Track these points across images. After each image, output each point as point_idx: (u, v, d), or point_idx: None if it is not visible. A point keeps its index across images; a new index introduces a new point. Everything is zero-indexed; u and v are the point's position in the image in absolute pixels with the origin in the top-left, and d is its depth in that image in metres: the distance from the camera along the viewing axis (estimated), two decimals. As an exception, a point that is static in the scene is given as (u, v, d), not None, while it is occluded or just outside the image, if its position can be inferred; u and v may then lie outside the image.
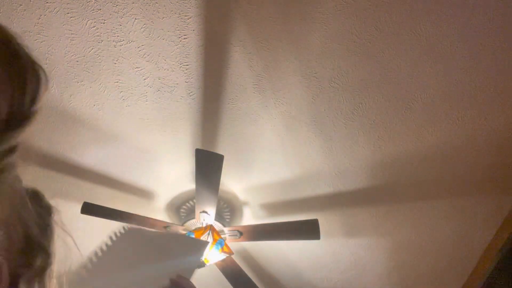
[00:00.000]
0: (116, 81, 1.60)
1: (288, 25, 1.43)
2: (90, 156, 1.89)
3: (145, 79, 1.60)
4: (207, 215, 1.89)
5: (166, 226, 1.96)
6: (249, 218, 2.24)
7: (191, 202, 2.12)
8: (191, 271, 0.83)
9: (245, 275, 2.08)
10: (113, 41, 1.47)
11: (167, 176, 2.01)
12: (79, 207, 1.84)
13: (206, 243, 1.26)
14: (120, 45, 1.49)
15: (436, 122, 1.71)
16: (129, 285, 0.78)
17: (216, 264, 2.01)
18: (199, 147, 1.81)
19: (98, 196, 2.05)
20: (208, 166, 1.64)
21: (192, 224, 2.01)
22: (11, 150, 0.57)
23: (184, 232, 1.97)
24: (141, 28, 1.44)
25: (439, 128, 1.73)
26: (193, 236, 1.89)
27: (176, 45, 1.49)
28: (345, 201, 2.10)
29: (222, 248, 1.90)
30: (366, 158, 1.88)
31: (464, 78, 1.55)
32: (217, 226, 2.01)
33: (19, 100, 0.54)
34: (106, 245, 0.85)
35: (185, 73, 1.58)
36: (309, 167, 1.95)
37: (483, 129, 1.71)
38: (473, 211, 2.07)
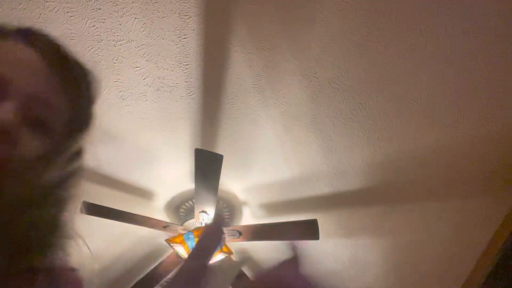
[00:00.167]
0: (116, 80, 1.60)
1: (288, 25, 1.43)
2: (89, 155, 1.88)
3: (144, 79, 1.59)
4: (206, 215, 1.89)
5: (165, 225, 1.96)
6: (249, 218, 2.24)
7: (190, 202, 2.12)
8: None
9: (244, 275, 2.08)
10: (113, 40, 1.47)
11: (166, 175, 2.01)
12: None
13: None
14: (120, 45, 1.49)
15: (436, 123, 1.71)
16: None
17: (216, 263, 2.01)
18: (198, 146, 1.81)
19: (96, 196, 2.05)
20: (207, 166, 1.64)
21: (192, 224, 2.01)
22: (78, 153, 0.58)
23: (183, 231, 1.97)
24: (141, 27, 1.44)
25: (438, 129, 1.73)
26: (192, 236, 1.89)
27: (176, 44, 1.49)
28: (344, 201, 2.10)
29: (222, 248, 1.89)
30: (366, 159, 1.88)
31: (464, 80, 1.55)
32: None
33: (77, 105, 0.55)
34: None
35: (185, 72, 1.58)
36: (308, 167, 1.95)
37: (482, 130, 1.71)
38: (472, 212, 2.07)
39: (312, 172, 1.97)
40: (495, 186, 1.94)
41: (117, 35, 1.46)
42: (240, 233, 1.95)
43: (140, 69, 1.56)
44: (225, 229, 2.00)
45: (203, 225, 1.94)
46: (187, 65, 1.55)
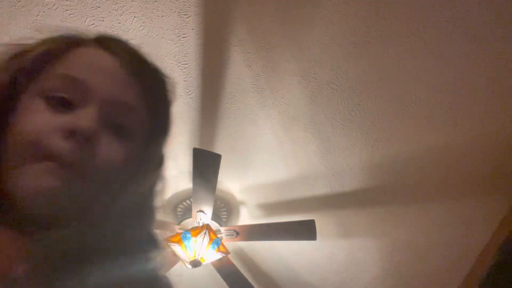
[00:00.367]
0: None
1: (288, 25, 1.43)
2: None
3: (143, 78, 1.59)
4: (203, 215, 1.89)
5: (162, 225, 1.96)
6: (246, 218, 2.24)
7: (188, 201, 2.12)
8: None
9: (241, 275, 2.08)
10: (112, 39, 1.47)
11: (164, 174, 2.01)
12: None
13: None
14: (119, 43, 1.48)
15: (434, 125, 1.71)
16: None
17: (212, 263, 2.01)
18: (197, 146, 1.81)
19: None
20: (205, 165, 1.64)
21: (189, 223, 2.01)
22: (161, 161, 0.59)
23: (180, 231, 1.97)
24: (140, 26, 1.44)
25: (437, 131, 1.74)
26: (190, 235, 1.89)
27: (175, 43, 1.49)
28: (342, 202, 2.10)
29: (219, 248, 1.89)
30: (364, 159, 1.88)
31: (462, 81, 1.56)
32: (214, 225, 2.00)
33: (155, 110, 0.56)
34: None
35: (184, 72, 1.57)
36: (306, 167, 1.95)
37: (480, 132, 1.72)
38: (470, 213, 2.07)
39: (310, 172, 1.97)
40: (493, 187, 1.94)
41: (116, 34, 1.45)
42: (237, 233, 1.95)
43: (139, 68, 1.56)
44: (222, 229, 2.00)
45: (201, 224, 1.94)
46: (186, 64, 1.55)
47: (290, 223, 1.84)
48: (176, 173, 2.00)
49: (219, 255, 1.92)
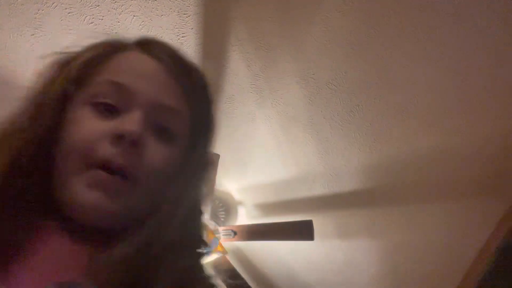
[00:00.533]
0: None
1: (287, 25, 1.43)
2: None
3: (142, 77, 1.59)
4: (201, 214, 1.89)
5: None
6: (244, 217, 2.24)
7: (186, 201, 2.12)
8: None
9: (239, 274, 2.08)
10: (111, 37, 1.47)
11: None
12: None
13: None
14: (118, 42, 1.48)
15: (431, 127, 1.72)
16: None
17: (210, 263, 2.01)
18: (195, 145, 1.81)
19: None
20: (204, 165, 1.64)
21: (187, 222, 2.01)
22: (208, 162, 0.58)
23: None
24: (139, 25, 1.43)
25: (434, 133, 1.74)
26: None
27: (175, 43, 1.48)
28: (340, 202, 2.11)
29: (216, 248, 1.89)
30: (362, 160, 1.89)
31: (460, 85, 1.56)
32: (212, 225, 2.00)
33: (198, 110, 0.56)
34: None
35: (183, 71, 1.57)
36: (304, 167, 1.95)
37: (477, 135, 1.72)
38: (467, 214, 2.08)
39: (308, 172, 1.97)
40: (490, 189, 1.95)
41: (115, 33, 1.46)
42: (235, 233, 1.94)
43: (138, 67, 1.56)
44: (220, 229, 2.00)
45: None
46: (185, 63, 1.55)
47: (288, 223, 1.84)
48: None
49: (217, 255, 1.92)
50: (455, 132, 1.73)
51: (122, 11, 1.39)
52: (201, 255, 0.52)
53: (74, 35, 1.46)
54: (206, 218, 1.86)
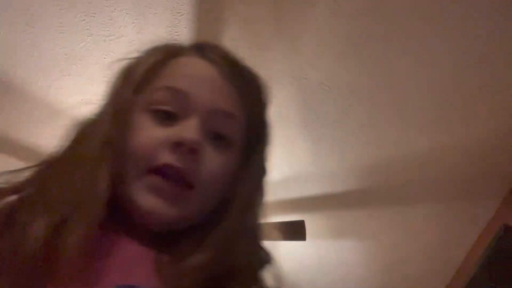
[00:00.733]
0: (105, 76, 1.58)
1: (281, 26, 1.44)
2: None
3: (134, 75, 1.58)
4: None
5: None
6: (236, 217, 2.23)
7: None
8: None
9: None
10: (103, 35, 1.46)
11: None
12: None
13: None
14: (110, 40, 1.47)
15: (423, 128, 1.73)
16: None
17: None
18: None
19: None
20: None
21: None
22: (264, 169, 0.58)
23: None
24: (132, 23, 1.42)
25: (426, 134, 1.75)
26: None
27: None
28: (332, 203, 2.11)
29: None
30: (354, 161, 1.89)
31: (454, 86, 1.57)
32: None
33: (254, 115, 0.55)
34: None
35: (176, 70, 1.56)
36: (297, 168, 1.95)
37: (468, 136, 1.74)
38: (457, 215, 2.10)
39: (300, 173, 1.97)
40: (479, 190, 1.97)
41: (108, 30, 1.44)
42: (227, 233, 1.94)
43: (130, 65, 1.55)
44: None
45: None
46: (178, 62, 1.54)
47: (280, 223, 1.84)
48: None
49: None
50: (445, 134, 1.74)
51: (115, 9, 1.38)
52: (268, 259, 0.53)
53: (66, 32, 1.45)
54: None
